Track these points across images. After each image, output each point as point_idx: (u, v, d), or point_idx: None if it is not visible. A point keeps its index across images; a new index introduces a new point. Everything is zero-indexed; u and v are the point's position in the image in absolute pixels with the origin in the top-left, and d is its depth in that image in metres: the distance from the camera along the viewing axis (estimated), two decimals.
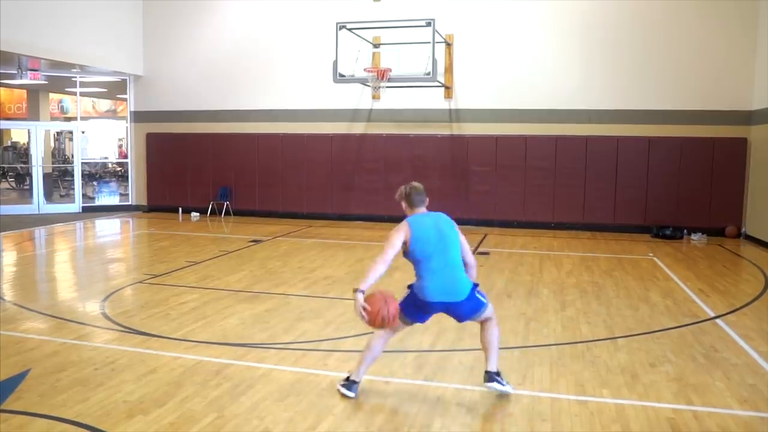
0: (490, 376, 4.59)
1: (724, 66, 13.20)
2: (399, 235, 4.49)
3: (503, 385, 4.59)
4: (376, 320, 4.26)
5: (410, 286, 4.59)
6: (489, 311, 4.72)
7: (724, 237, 13.08)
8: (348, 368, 5.17)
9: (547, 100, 14.07)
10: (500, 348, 5.79)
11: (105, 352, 5.53)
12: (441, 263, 4.45)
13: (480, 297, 4.64)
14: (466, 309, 4.56)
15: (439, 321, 6.58)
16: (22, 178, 21.16)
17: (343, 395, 4.56)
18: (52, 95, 23.03)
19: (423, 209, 4.70)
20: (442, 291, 4.44)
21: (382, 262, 4.39)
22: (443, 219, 4.65)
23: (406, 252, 4.53)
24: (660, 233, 13.04)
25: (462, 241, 4.62)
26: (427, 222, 4.58)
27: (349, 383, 4.61)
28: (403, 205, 4.75)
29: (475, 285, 4.62)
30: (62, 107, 24.34)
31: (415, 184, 4.77)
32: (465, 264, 4.61)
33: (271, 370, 5.16)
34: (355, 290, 4.29)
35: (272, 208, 15.86)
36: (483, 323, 4.73)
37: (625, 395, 4.69)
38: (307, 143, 15.54)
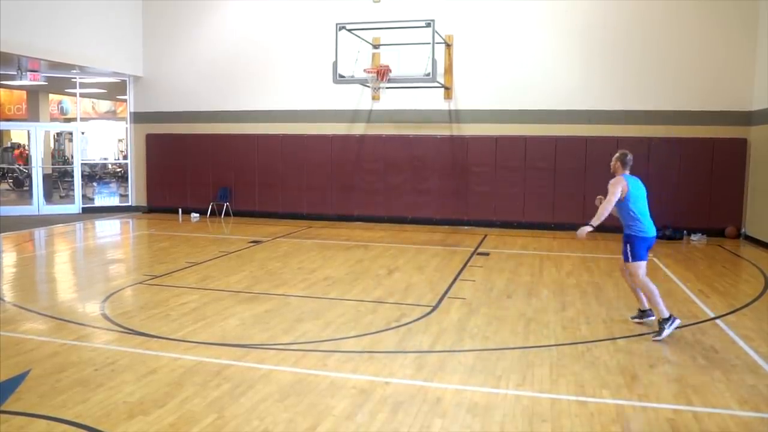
0: (646, 313, 6.58)
1: (723, 66, 13.20)
2: (619, 186, 6.27)
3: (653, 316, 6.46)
4: None
5: (627, 236, 6.34)
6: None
7: (724, 237, 13.08)
8: (348, 368, 5.18)
9: (547, 101, 14.07)
10: (500, 349, 5.81)
11: (105, 353, 5.53)
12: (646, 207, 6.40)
13: None
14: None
15: (439, 321, 6.60)
16: (21, 182, 21.15)
17: (671, 332, 5.98)
18: (51, 96, 23.03)
19: (628, 171, 6.45)
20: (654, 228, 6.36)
21: (608, 204, 6.34)
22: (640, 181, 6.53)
23: (621, 199, 6.29)
24: (660, 234, 12.99)
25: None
26: (633, 180, 6.43)
27: (665, 321, 6.03)
28: (618, 165, 6.51)
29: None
30: (62, 108, 24.35)
31: (629, 153, 6.55)
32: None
33: (271, 370, 5.16)
34: (587, 223, 6.30)
35: (272, 209, 15.86)
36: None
37: (625, 396, 4.69)
38: (306, 144, 15.54)
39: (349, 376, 5.03)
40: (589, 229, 6.22)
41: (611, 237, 13.21)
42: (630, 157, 6.56)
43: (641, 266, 6.26)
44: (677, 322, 6.08)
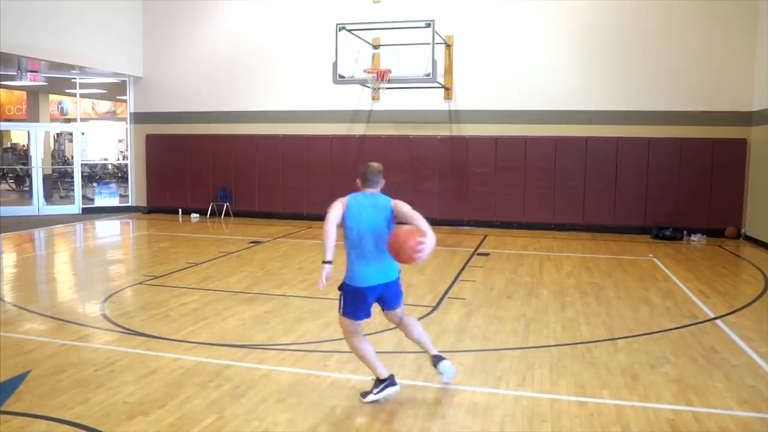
0: (439, 357, 4.83)
1: (723, 66, 13.20)
2: (335, 206, 4.51)
3: (446, 360, 4.84)
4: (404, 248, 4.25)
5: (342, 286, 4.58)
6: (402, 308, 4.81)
7: (724, 238, 13.09)
8: (348, 369, 5.18)
9: (547, 101, 14.07)
10: (500, 349, 5.81)
11: (105, 354, 5.53)
12: (371, 245, 4.47)
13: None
14: (397, 292, 4.69)
15: (440, 322, 6.60)
16: (22, 179, 21.14)
17: (392, 394, 4.54)
18: (51, 96, 23.01)
19: (375, 190, 4.70)
20: (376, 274, 4.49)
21: (326, 225, 4.40)
22: (381, 200, 4.62)
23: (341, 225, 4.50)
24: (660, 234, 13.04)
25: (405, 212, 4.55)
26: (365, 202, 4.57)
27: (385, 381, 4.53)
28: (358, 182, 4.76)
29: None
30: (62, 108, 24.33)
31: (374, 164, 4.91)
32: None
33: (271, 371, 5.16)
34: (324, 262, 4.37)
35: (272, 209, 15.86)
36: (403, 321, 4.78)
37: (625, 396, 4.69)
38: (307, 144, 15.54)
39: (350, 376, 5.03)
40: (327, 268, 4.35)
41: (611, 237, 13.24)
42: (372, 169, 4.79)
43: (348, 324, 4.55)
44: (394, 389, 4.56)
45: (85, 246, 12.53)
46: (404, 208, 4.56)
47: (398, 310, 4.73)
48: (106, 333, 6.18)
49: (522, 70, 14.19)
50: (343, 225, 4.46)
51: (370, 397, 4.50)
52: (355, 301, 4.48)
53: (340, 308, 4.56)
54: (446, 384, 4.87)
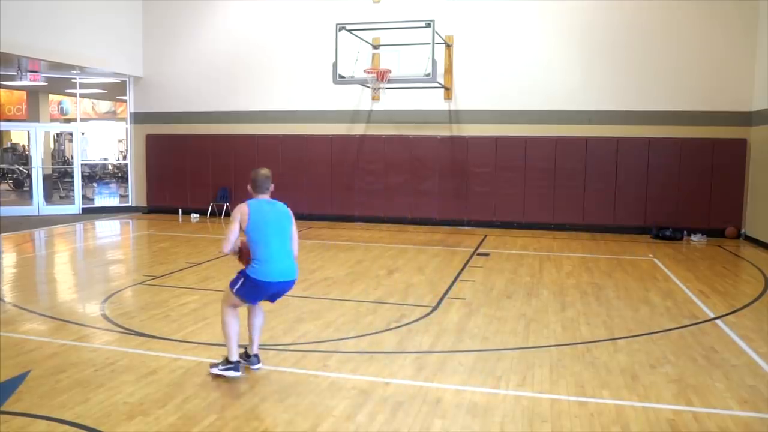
0: (255, 359, 5.18)
1: (724, 67, 13.20)
2: (236, 214, 4.87)
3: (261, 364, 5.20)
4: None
5: (242, 272, 4.91)
6: None
7: (724, 238, 13.09)
8: (348, 369, 5.18)
9: (547, 101, 14.07)
10: (500, 349, 5.81)
11: (105, 354, 5.53)
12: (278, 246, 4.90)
13: None
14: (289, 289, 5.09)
15: (440, 322, 6.60)
16: (21, 183, 21.14)
17: (230, 377, 4.89)
18: (51, 96, 23.03)
19: (266, 195, 5.06)
20: (283, 271, 4.89)
21: (227, 233, 4.85)
22: (281, 208, 5.07)
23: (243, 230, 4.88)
24: (660, 234, 13.04)
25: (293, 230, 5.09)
26: (265, 207, 4.96)
27: (232, 364, 4.94)
28: (249, 188, 5.07)
29: None
30: (62, 109, 24.34)
31: (263, 170, 5.11)
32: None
33: (271, 371, 5.16)
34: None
35: None
36: (254, 308, 5.15)
37: (625, 396, 4.69)
38: (306, 144, 15.54)
39: (349, 376, 5.03)
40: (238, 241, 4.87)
41: (611, 237, 13.24)
42: (262, 176, 5.04)
43: (235, 300, 4.93)
44: (236, 374, 4.92)
45: (85, 246, 12.53)
46: (294, 225, 5.12)
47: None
48: (106, 333, 6.18)
49: (522, 70, 14.19)
50: (247, 231, 4.85)
51: (215, 370, 4.97)
52: (254, 291, 4.89)
53: (234, 286, 4.90)
54: (446, 384, 4.87)
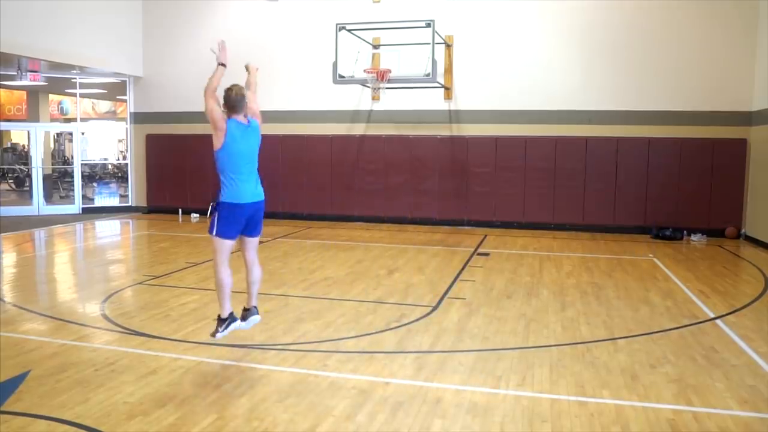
0: (253, 311, 5.46)
1: (724, 67, 13.20)
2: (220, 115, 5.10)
3: (258, 315, 5.52)
4: None
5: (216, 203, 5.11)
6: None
7: (724, 238, 13.09)
8: (348, 369, 5.18)
9: (547, 101, 14.07)
10: (500, 349, 5.81)
11: (105, 354, 5.53)
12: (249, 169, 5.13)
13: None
14: (261, 214, 5.32)
15: (439, 321, 6.60)
16: (22, 181, 21.14)
17: (236, 329, 5.23)
18: (51, 96, 23.03)
19: (240, 115, 5.15)
20: (253, 192, 5.15)
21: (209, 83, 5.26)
22: (253, 129, 5.24)
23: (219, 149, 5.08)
24: (660, 234, 13.04)
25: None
26: (240, 131, 5.13)
27: (225, 321, 5.15)
28: (222, 106, 5.20)
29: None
30: (62, 108, 24.34)
31: (236, 88, 5.22)
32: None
33: (271, 371, 5.16)
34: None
35: (272, 209, 15.75)
36: (251, 261, 5.36)
37: (625, 396, 4.69)
38: (306, 144, 15.54)
39: (349, 376, 5.03)
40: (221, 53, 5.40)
41: (611, 237, 13.24)
42: (236, 95, 5.18)
43: (220, 244, 5.10)
44: (235, 325, 5.30)
45: (85, 246, 12.53)
46: (254, 102, 5.38)
47: (257, 239, 5.40)
48: (106, 333, 6.18)
49: (522, 70, 14.19)
50: (220, 148, 5.04)
51: (218, 335, 5.13)
52: (230, 218, 5.05)
53: (212, 228, 5.06)
54: (446, 384, 4.88)
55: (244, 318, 5.46)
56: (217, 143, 5.06)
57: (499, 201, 14.45)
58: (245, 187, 5.10)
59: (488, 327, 6.45)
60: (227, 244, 5.13)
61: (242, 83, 5.46)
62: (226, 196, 5.06)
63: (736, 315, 7.06)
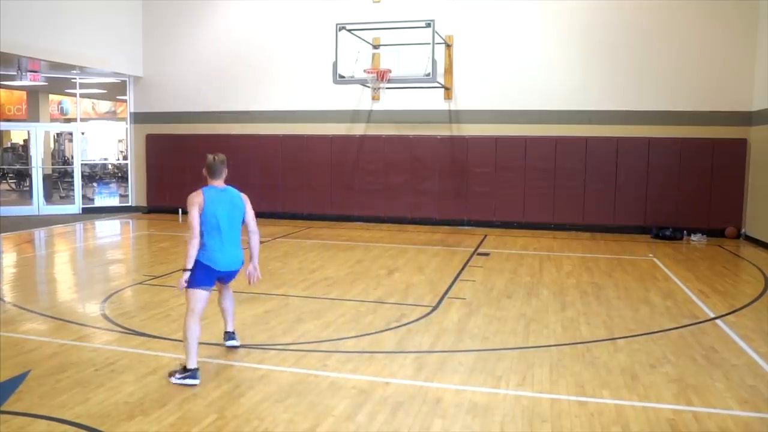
0: (231, 335, 5.67)
1: (724, 67, 13.20)
2: (193, 203, 5.01)
3: (237, 340, 5.69)
4: None
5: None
6: None
7: (724, 238, 13.09)
8: (348, 369, 5.18)
9: (547, 101, 14.08)
10: (500, 349, 5.81)
11: (105, 353, 5.53)
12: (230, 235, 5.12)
13: None
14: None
15: (439, 321, 6.60)
16: (23, 177, 21.14)
17: (189, 385, 4.81)
18: (51, 96, 23.02)
19: (220, 182, 5.22)
20: (230, 261, 5.15)
21: (191, 231, 4.96)
22: (233, 196, 5.23)
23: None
24: (660, 234, 13.04)
25: (248, 211, 5.30)
26: (218, 196, 5.13)
27: (191, 372, 4.88)
28: (204, 172, 5.27)
29: None
30: (62, 108, 24.33)
31: (219, 156, 5.32)
32: (250, 231, 5.33)
33: (271, 371, 5.16)
34: (184, 270, 4.96)
35: (272, 209, 15.84)
36: (226, 289, 5.59)
37: (625, 396, 4.69)
38: (307, 144, 15.54)
39: (349, 376, 5.03)
40: (186, 275, 4.91)
41: (611, 237, 13.24)
42: (218, 162, 5.28)
43: (200, 294, 5.01)
44: (194, 382, 4.85)
45: (85, 246, 12.53)
46: (249, 210, 5.30)
47: (228, 284, 5.56)
48: (106, 333, 6.18)
49: (522, 70, 14.19)
50: (201, 216, 4.98)
51: (173, 380, 4.89)
52: (205, 274, 5.03)
53: (191, 283, 4.95)
54: (446, 384, 4.88)
55: (225, 339, 5.72)
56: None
57: (499, 201, 14.45)
58: (221, 256, 5.08)
59: (488, 327, 6.45)
60: (206, 295, 5.10)
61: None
62: (203, 257, 5.01)
63: (736, 315, 7.06)
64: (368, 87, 13.36)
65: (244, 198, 5.30)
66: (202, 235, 4.97)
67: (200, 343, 5.80)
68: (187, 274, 4.90)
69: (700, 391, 4.79)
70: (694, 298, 7.85)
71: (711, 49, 13.23)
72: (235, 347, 5.65)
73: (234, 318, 5.75)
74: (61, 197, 19.15)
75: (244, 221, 5.25)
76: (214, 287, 5.29)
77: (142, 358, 5.42)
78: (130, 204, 17.36)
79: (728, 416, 4.36)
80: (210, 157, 5.28)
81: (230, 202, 5.14)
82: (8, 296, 7.69)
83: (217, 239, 5.02)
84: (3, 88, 21.60)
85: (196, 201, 4.98)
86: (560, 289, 8.28)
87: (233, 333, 5.70)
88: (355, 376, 5.02)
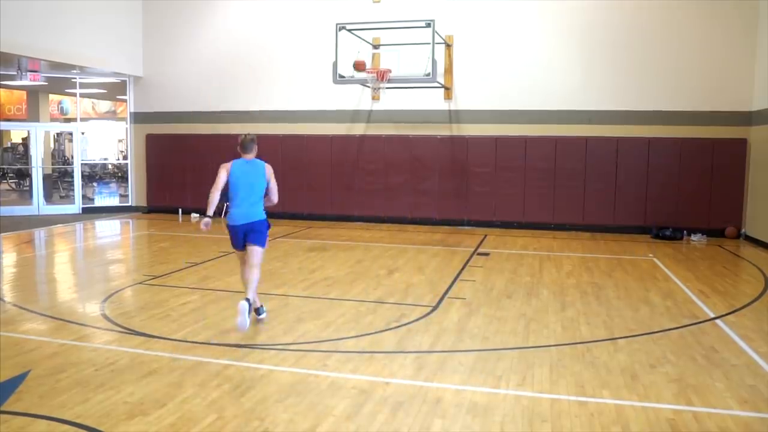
0: (248, 301, 6.00)
1: (724, 67, 13.20)
2: (222, 170, 6.26)
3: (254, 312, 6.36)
4: None
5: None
6: (261, 257, 6.33)
7: (724, 238, 13.09)
8: (348, 369, 5.18)
9: (547, 101, 14.07)
10: (500, 349, 5.81)
11: (105, 353, 5.53)
12: (244, 196, 6.25)
13: (267, 235, 6.45)
14: (259, 230, 6.29)
15: (439, 321, 6.60)
16: (23, 175, 21.13)
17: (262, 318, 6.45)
18: (51, 96, 23.02)
19: (250, 156, 6.38)
20: (243, 216, 6.22)
21: (213, 188, 6.19)
22: (257, 167, 6.38)
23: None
24: (660, 234, 13.04)
25: (270, 181, 6.47)
26: (244, 167, 6.32)
27: (258, 309, 6.47)
28: (238, 148, 6.38)
29: (269, 224, 6.48)
30: (62, 108, 24.32)
31: (249, 134, 6.49)
32: (270, 197, 6.50)
33: (271, 371, 5.16)
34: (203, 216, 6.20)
35: (272, 209, 15.76)
36: (250, 266, 6.22)
37: (625, 396, 4.69)
38: (307, 144, 15.54)
39: (349, 376, 5.03)
40: (207, 219, 6.15)
41: (611, 237, 13.24)
42: (247, 139, 6.42)
43: (236, 255, 6.67)
44: (262, 310, 6.62)
45: (85, 246, 12.53)
46: (272, 181, 6.49)
47: (256, 248, 6.24)
48: (106, 333, 6.18)
49: (522, 70, 14.19)
50: (228, 179, 6.21)
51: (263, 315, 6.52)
52: (231, 234, 6.31)
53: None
54: (446, 384, 4.88)
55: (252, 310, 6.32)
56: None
57: (499, 201, 14.45)
58: (237, 212, 6.24)
59: (488, 327, 6.46)
60: (240, 255, 6.44)
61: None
62: (228, 217, 6.28)
63: (736, 315, 7.06)
64: (368, 87, 13.36)
65: (268, 169, 6.43)
66: (228, 197, 6.18)
67: (200, 343, 5.83)
68: (207, 219, 6.09)
69: (700, 391, 4.79)
70: (694, 298, 7.85)
71: (711, 49, 13.23)
72: (258, 317, 6.50)
73: (253, 290, 6.13)
74: (61, 197, 19.15)
75: (268, 189, 6.37)
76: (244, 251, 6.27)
77: (142, 358, 5.42)
78: (130, 204, 17.36)
79: (728, 416, 4.36)
80: (242, 135, 6.42)
81: (254, 171, 6.29)
82: (8, 296, 7.69)
83: (236, 199, 6.20)
84: (3, 87, 21.60)
85: (225, 166, 6.23)
86: (560, 289, 8.28)
87: (248, 300, 5.95)
88: (355, 376, 5.02)
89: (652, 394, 4.73)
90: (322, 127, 15.45)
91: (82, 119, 18.30)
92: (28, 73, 15.97)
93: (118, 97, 21.69)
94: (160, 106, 16.75)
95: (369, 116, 15.25)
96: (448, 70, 14.43)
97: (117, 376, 4.97)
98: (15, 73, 15.87)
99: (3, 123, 22.06)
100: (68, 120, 23.30)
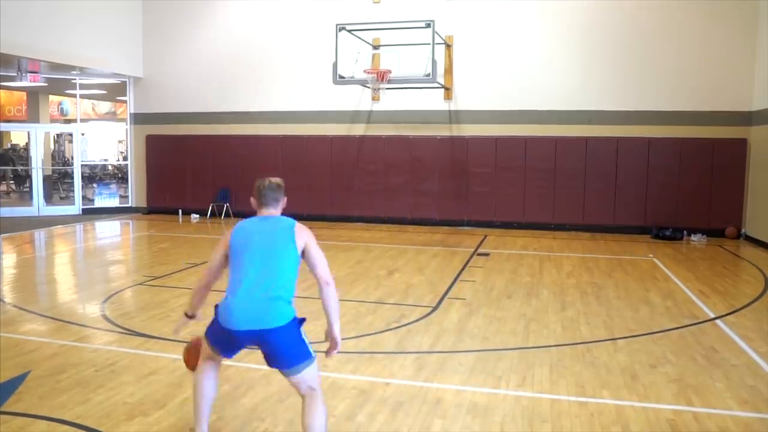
0: None
1: (724, 67, 13.20)
2: (223, 238, 3.78)
3: None
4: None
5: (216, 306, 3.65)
6: (314, 373, 3.63)
7: (724, 238, 13.08)
8: (348, 369, 5.18)
9: (547, 101, 14.08)
10: (500, 349, 5.80)
11: (105, 354, 5.53)
12: (252, 279, 3.49)
13: (305, 340, 3.64)
14: (284, 346, 3.56)
15: (440, 322, 6.60)
16: (23, 179, 21.14)
17: None
18: (51, 97, 23.01)
19: (273, 211, 3.80)
20: (247, 314, 3.44)
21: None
22: (282, 225, 3.69)
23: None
24: (660, 234, 13.04)
25: (311, 251, 3.76)
26: (255, 227, 3.70)
27: None
28: (252, 201, 3.83)
29: (301, 319, 3.64)
30: (62, 109, 24.33)
31: (272, 179, 3.85)
32: (319, 282, 3.77)
33: (271, 371, 5.13)
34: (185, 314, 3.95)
35: None
36: (306, 397, 3.57)
37: (625, 396, 4.69)
38: (306, 145, 15.54)
39: (349, 376, 5.03)
40: (183, 321, 4.08)
41: (611, 237, 13.24)
42: (267, 186, 3.80)
43: (205, 344, 3.74)
44: None
45: (85, 247, 12.53)
46: (314, 250, 3.73)
47: (300, 376, 3.56)
48: (106, 333, 6.18)
49: (522, 70, 14.19)
50: (230, 256, 3.69)
51: None
52: (219, 336, 3.58)
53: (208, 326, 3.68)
54: (446, 384, 4.87)
55: None
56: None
57: (499, 201, 14.45)
58: (233, 307, 3.51)
59: (488, 327, 6.45)
60: (214, 351, 3.70)
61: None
62: (220, 307, 3.62)
63: (736, 315, 7.06)
64: (368, 87, 13.36)
65: (299, 231, 3.67)
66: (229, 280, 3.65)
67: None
68: (185, 320, 3.94)
69: (700, 391, 4.79)
70: (694, 298, 7.85)
71: (711, 49, 13.23)
72: None
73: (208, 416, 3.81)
74: (61, 198, 19.15)
75: (309, 266, 3.74)
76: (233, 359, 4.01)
77: (142, 358, 5.42)
78: (130, 205, 17.36)
79: (728, 416, 4.36)
80: (258, 180, 3.81)
81: (273, 234, 3.62)
82: (8, 297, 7.69)
83: (236, 281, 3.55)
84: (3, 89, 21.59)
85: (222, 239, 3.76)
86: (560, 289, 8.28)
87: None
88: (355, 377, 5.02)
89: (652, 395, 4.73)
90: (322, 127, 15.46)
91: (82, 120, 18.32)
92: (28, 75, 15.97)
93: (118, 98, 21.67)
94: (160, 107, 16.76)
95: (369, 117, 15.25)
96: (448, 71, 14.44)
97: (117, 377, 4.97)
98: (15, 74, 15.86)
99: (3, 124, 22.06)
100: (68, 121, 23.30)
